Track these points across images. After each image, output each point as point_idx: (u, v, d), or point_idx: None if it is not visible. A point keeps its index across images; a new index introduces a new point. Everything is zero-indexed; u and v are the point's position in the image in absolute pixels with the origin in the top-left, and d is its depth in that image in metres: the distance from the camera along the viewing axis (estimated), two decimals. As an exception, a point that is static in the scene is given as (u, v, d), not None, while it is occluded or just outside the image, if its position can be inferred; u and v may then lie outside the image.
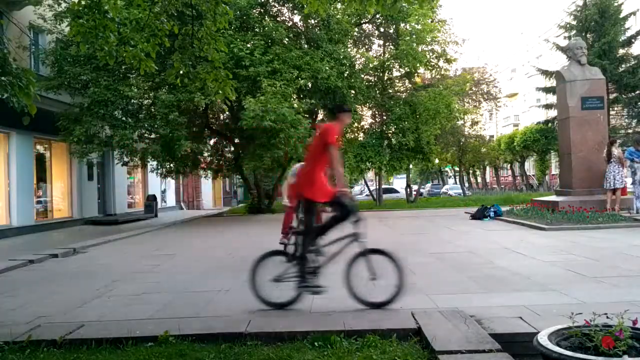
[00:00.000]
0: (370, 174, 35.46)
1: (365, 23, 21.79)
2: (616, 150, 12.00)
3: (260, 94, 14.43)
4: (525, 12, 75.96)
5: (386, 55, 21.46)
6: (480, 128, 38.24)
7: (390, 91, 21.89)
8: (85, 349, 3.65)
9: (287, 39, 16.89)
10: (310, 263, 4.54)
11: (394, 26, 21.05)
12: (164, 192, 26.44)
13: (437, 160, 29.71)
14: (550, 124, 31.24)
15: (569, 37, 26.36)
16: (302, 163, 7.32)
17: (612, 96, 25.15)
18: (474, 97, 32.37)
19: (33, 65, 14.95)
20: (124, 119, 15.28)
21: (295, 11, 18.18)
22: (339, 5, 17.73)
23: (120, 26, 6.67)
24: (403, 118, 19.82)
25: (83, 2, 5.72)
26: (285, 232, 7.39)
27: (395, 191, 36.81)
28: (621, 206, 11.65)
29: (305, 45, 17.76)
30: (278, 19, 18.37)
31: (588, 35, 26.39)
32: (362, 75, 19.63)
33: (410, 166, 26.41)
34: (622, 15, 26.88)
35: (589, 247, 7.75)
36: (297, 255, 4.62)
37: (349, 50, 19.41)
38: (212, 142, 21.75)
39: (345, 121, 4.94)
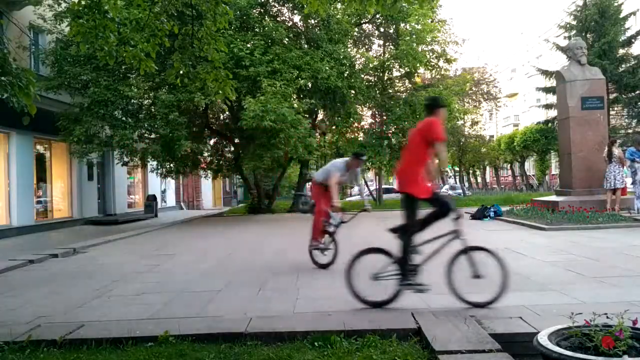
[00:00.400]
0: (370, 174, 35.47)
1: (365, 23, 21.80)
2: (617, 150, 12.00)
3: (260, 94, 14.43)
4: (525, 12, 75.98)
5: (386, 55, 21.46)
6: (480, 128, 38.26)
7: (390, 91, 21.88)
8: (85, 349, 3.65)
9: (287, 39, 16.89)
10: (411, 260, 4.48)
11: (394, 26, 21.05)
12: (164, 192, 26.45)
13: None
14: (550, 124, 31.22)
15: (569, 37, 26.33)
16: (346, 158, 6.87)
17: (612, 96, 25.13)
18: (474, 97, 32.38)
19: (33, 65, 14.95)
20: (124, 119, 15.28)
21: (295, 11, 18.19)
22: (339, 5, 17.74)
23: (120, 26, 6.67)
24: (403, 118, 19.80)
25: (83, 2, 5.72)
26: (316, 238, 6.72)
27: (396, 191, 36.82)
28: (621, 206, 11.65)
29: (305, 45, 17.77)
30: (278, 19, 18.38)
31: (588, 35, 26.37)
32: (362, 75, 19.61)
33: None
34: (622, 15, 26.86)
35: (589, 247, 7.75)
36: (397, 253, 4.52)
37: (349, 50, 19.41)
38: (212, 142, 21.76)
39: (443, 116, 4.77)
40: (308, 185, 25.58)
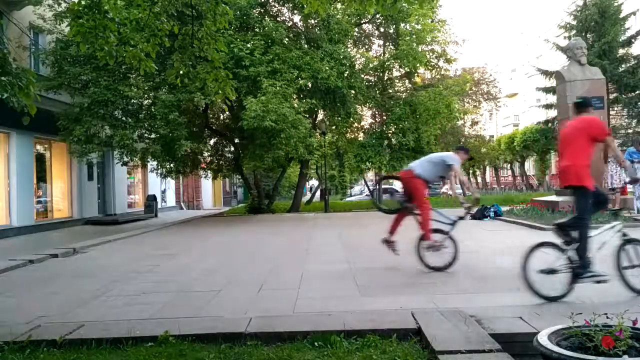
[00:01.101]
0: (370, 174, 35.47)
1: (365, 23, 21.82)
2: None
3: (261, 94, 14.44)
4: (525, 12, 75.93)
5: (386, 55, 21.48)
6: (480, 128, 38.26)
7: (390, 91, 21.90)
8: (85, 349, 3.65)
9: (287, 39, 16.90)
10: (588, 252, 4.62)
11: (394, 26, 21.07)
12: (164, 192, 26.44)
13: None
14: (550, 124, 31.19)
15: (569, 37, 26.30)
16: (451, 152, 6.90)
17: (612, 96, 25.11)
18: (474, 97, 32.40)
19: (33, 65, 14.94)
20: (124, 119, 15.27)
21: (295, 11, 18.20)
22: (339, 5, 17.75)
23: (120, 26, 6.64)
24: (403, 118, 19.82)
25: (83, 2, 5.71)
26: (430, 237, 6.29)
27: (396, 191, 36.84)
28: (621, 206, 11.63)
29: (305, 45, 17.78)
30: (278, 19, 18.39)
31: (588, 35, 26.35)
32: (362, 75, 19.64)
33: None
34: (622, 15, 26.83)
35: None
36: (570, 247, 4.69)
37: (349, 50, 19.42)
38: (212, 142, 21.77)
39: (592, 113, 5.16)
40: (307, 184, 25.56)
